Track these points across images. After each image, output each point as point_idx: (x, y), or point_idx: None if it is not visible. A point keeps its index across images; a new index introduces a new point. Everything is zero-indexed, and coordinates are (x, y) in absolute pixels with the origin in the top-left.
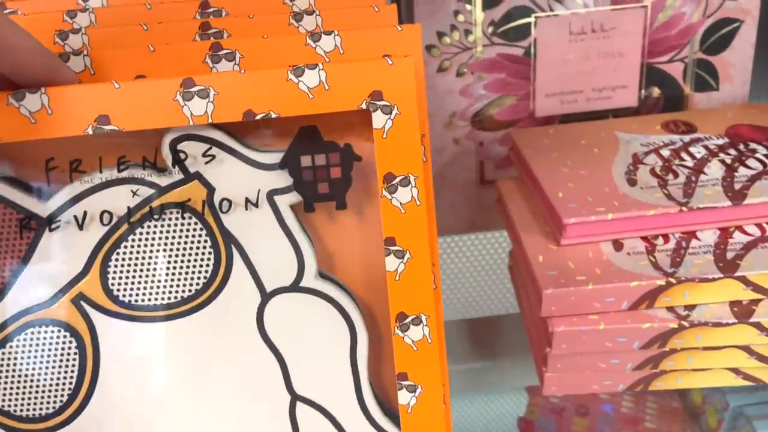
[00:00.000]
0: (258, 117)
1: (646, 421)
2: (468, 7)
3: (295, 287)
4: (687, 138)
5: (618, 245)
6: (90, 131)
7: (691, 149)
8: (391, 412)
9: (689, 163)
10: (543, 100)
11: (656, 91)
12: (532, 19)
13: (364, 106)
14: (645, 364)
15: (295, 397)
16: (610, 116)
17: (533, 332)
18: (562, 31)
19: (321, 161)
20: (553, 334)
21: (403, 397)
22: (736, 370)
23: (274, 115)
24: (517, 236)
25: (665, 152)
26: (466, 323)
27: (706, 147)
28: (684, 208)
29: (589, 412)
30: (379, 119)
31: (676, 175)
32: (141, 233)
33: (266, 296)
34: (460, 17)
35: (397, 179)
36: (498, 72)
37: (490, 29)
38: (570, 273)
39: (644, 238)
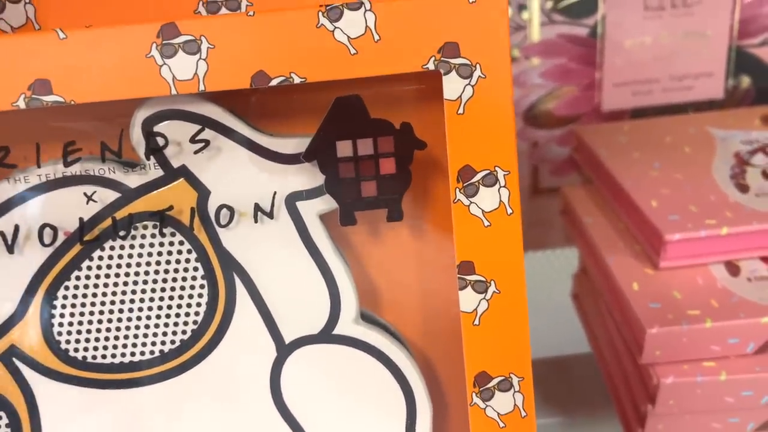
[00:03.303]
0: (274, 82)
1: None
2: None
3: (326, 336)
4: None
5: (733, 268)
6: (21, 105)
7: None
8: None
9: None
10: (611, 90)
11: (746, 81)
12: None
13: (431, 66)
14: None
15: None
16: (690, 111)
17: (620, 382)
18: (636, 7)
19: (366, 149)
20: (659, 386)
21: None
22: None
23: (297, 80)
24: (598, 257)
25: None
26: None
27: None
28: None
29: None
30: (453, 86)
31: None
32: (100, 258)
33: (284, 349)
34: None
35: (479, 176)
36: (557, 56)
37: (549, 4)
38: (677, 306)
39: (766, 259)
